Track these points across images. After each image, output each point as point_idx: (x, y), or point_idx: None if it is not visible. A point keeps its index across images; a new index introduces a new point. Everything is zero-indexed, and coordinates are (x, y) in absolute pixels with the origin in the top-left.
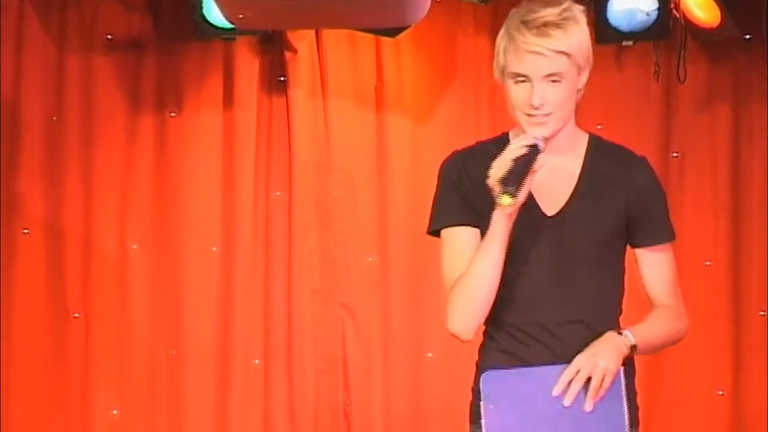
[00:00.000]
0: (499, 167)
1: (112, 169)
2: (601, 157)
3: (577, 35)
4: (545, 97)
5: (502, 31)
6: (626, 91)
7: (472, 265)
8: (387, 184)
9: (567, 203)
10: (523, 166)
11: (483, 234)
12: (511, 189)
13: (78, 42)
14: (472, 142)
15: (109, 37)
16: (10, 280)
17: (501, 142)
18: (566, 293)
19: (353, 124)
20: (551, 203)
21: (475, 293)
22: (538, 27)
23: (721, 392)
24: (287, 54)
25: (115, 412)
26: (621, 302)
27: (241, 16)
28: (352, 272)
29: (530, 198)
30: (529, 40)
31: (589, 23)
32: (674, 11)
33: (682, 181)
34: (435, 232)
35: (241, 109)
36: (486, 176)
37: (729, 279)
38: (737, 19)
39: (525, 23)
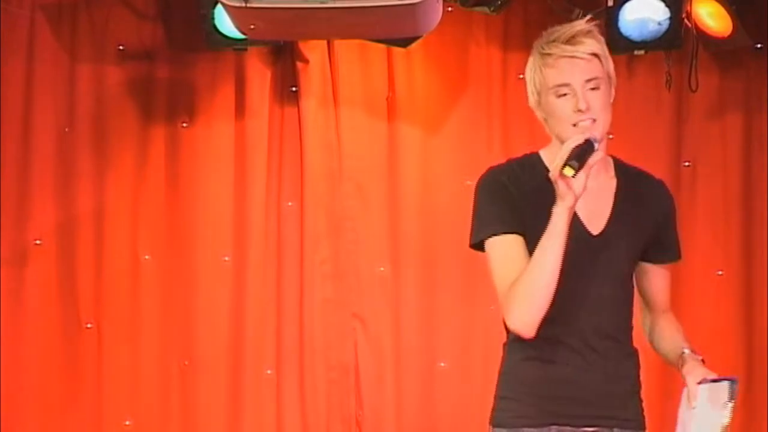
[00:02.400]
0: (560, 157)
1: (124, 180)
2: (630, 179)
3: (602, 43)
4: (589, 102)
5: (530, 61)
6: (638, 101)
7: (534, 262)
8: (398, 194)
9: (608, 223)
10: (582, 152)
11: (529, 245)
12: (574, 163)
13: (90, 52)
14: (483, 152)
15: (121, 47)
16: (22, 290)
17: (533, 159)
18: (602, 309)
19: (365, 134)
20: (594, 222)
21: (538, 288)
22: (568, 38)
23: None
24: (299, 64)
25: (127, 422)
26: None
27: (252, 26)
28: (364, 282)
29: (575, 217)
30: (565, 48)
31: (600, 34)
32: (686, 21)
33: (693, 190)
34: (479, 244)
35: (252, 119)
36: (527, 188)
37: (741, 288)
38: (748, 28)
39: (554, 40)
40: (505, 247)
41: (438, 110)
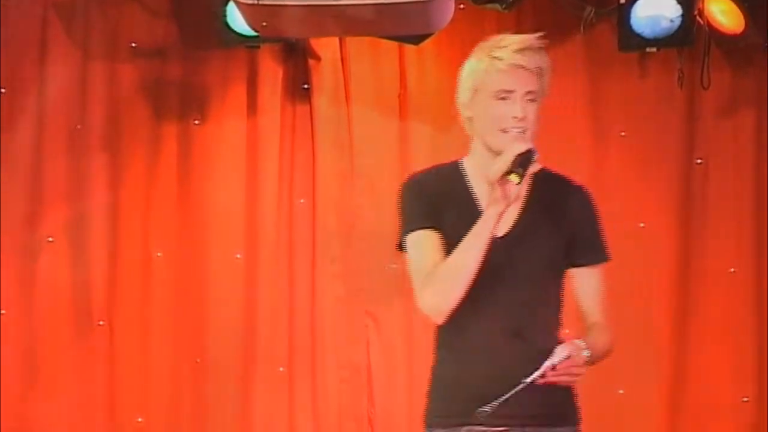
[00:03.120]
0: (503, 161)
1: (137, 177)
2: (545, 183)
3: (547, 62)
4: (525, 112)
5: (474, 61)
6: (650, 98)
7: (456, 255)
8: None
9: (514, 225)
10: (525, 160)
11: (446, 246)
12: (520, 170)
13: (102, 50)
14: None
15: (134, 45)
16: (34, 288)
17: (454, 166)
18: (512, 309)
19: (376, 131)
20: (501, 225)
21: (456, 279)
22: (520, 48)
23: (745, 399)
24: (311, 62)
25: (140, 419)
26: (560, 317)
27: (264, 23)
28: (376, 279)
29: (472, 218)
30: (516, 57)
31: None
32: (698, 18)
33: (705, 188)
34: (403, 244)
35: (264, 117)
36: (447, 192)
37: (753, 285)
38: (761, 25)
39: (507, 47)
40: (421, 240)
41: (449, 107)
